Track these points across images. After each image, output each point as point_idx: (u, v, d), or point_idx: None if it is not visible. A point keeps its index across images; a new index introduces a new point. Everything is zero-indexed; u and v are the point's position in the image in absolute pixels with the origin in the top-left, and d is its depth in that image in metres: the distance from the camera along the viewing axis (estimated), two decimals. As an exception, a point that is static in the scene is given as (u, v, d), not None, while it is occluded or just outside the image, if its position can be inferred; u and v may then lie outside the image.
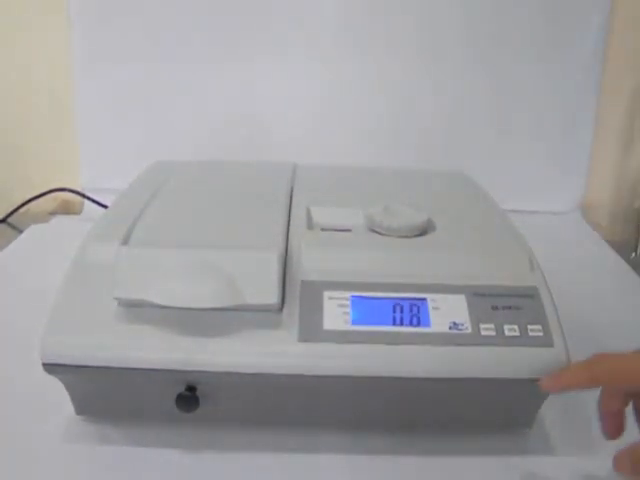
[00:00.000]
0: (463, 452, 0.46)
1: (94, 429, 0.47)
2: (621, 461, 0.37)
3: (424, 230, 0.50)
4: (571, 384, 0.40)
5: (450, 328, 0.43)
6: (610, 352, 0.40)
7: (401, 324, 0.43)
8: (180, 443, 0.46)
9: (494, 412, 0.46)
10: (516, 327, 0.43)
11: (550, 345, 0.43)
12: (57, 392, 0.44)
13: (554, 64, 0.89)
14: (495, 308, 0.44)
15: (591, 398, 0.41)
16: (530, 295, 0.45)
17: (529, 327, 0.43)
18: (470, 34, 0.88)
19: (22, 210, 0.88)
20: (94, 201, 0.86)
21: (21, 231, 0.83)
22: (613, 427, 0.40)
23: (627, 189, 0.97)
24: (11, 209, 0.87)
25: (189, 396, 0.43)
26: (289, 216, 0.53)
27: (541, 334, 0.43)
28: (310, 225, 0.52)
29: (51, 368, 0.42)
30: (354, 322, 0.43)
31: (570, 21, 0.87)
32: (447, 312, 0.44)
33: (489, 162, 0.91)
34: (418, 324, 0.43)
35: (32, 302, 0.53)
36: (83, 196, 0.88)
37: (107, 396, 0.45)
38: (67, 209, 0.94)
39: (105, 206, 0.81)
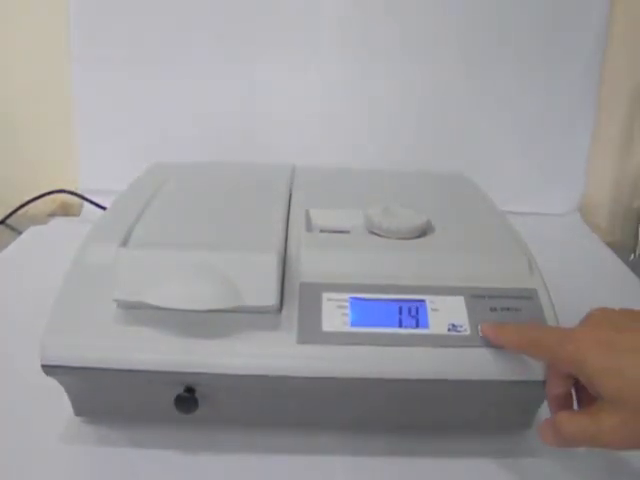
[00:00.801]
0: (462, 453, 0.46)
1: (93, 430, 0.47)
2: (544, 432, 0.39)
3: (423, 232, 0.50)
4: (503, 344, 0.42)
5: (449, 330, 0.43)
6: (545, 325, 0.43)
7: (400, 326, 0.43)
8: (179, 444, 0.46)
9: (493, 413, 0.46)
10: (515, 329, 0.43)
11: (549, 347, 0.43)
12: (56, 393, 0.44)
13: (553, 65, 0.89)
14: (494, 310, 0.44)
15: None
16: (529, 297, 0.45)
17: (528, 329, 0.43)
18: (469, 35, 0.88)
19: (21, 212, 0.87)
20: (93, 203, 0.86)
21: (20, 233, 0.83)
22: (560, 409, 0.41)
23: (626, 190, 0.97)
24: (10, 211, 0.87)
25: (188, 397, 0.43)
26: (288, 218, 0.53)
27: (540, 336, 0.43)
28: (309, 227, 0.52)
29: (50, 370, 0.42)
30: (353, 324, 0.43)
31: (569, 21, 0.87)
32: (446, 314, 0.44)
33: (488, 163, 0.91)
34: (417, 326, 0.43)
35: (31, 304, 0.52)
36: (82, 198, 0.88)
37: (106, 397, 0.45)
38: (66, 211, 0.94)
39: (104, 208, 0.81)
